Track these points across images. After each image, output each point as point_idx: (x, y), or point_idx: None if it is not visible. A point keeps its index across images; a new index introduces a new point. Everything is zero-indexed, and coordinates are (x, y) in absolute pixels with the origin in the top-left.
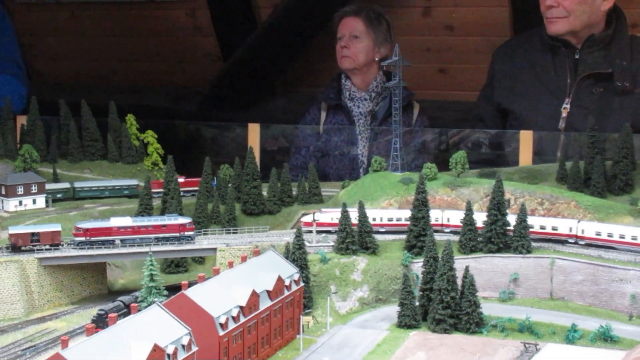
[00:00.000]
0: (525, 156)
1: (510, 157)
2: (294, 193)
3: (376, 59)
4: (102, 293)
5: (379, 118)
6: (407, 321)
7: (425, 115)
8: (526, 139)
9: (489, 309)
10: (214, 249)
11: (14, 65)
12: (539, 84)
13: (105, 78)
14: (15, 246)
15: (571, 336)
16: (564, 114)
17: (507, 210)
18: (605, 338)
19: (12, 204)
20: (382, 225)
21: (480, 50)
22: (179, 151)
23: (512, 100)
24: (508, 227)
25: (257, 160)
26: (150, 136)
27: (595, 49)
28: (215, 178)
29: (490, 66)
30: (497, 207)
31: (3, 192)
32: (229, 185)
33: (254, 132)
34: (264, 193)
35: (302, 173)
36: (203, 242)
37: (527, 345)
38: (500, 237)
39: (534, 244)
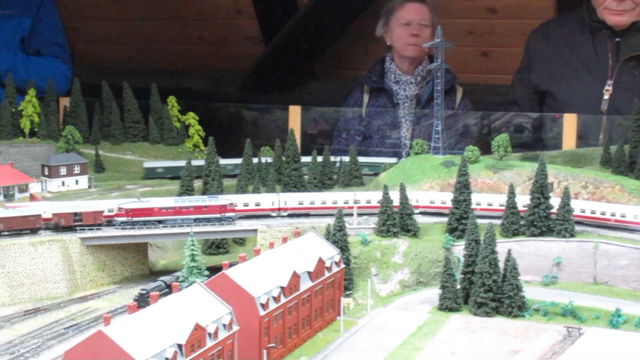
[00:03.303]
0: (569, 139)
1: (552, 140)
2: (334, 176)
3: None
4: (144, 273)
5: (423, 101)
6: (448, 304)
7: (468, 99)
8: (570, 122)
9: (532, 293)
10: (255, 230)
11: (58, 48)
12: (579, 65)
13: (147, 61)
14: (58, 226)
15: (615, 321)
16: (606, 96)
17: (550, 194)
18: None
19: (55, 185)
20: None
21: (523, 33)
22: (220, 133)
23: (551, 82)
24: (551, 211)
25: (298, 142)
26: (191, 118)
27: (636, 32)
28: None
29: (526, 49)
30: (540, 190)
31: (46, 173)
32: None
33: (294, 115)
34: (305, 176)
35: (344, 157)
36: (243, 222)
37: (570, 330)
38: (543, 220)
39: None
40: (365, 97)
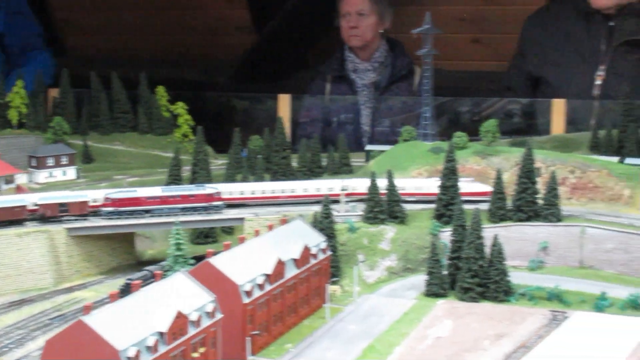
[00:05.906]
0: (558, 125)
1: (542, 126)
2: (323, 164)
3: (381, 31)
4: (131, 263)
5: (381, 87)
6: (435, 290)
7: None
8: (559, 107)
9: (518, 277)
10: (242, 219)
11: (40, 40)
12: (572, 51)
13: (137, 51)
14: (44, 216)
15: (600, 304)
16: (599, 81)
17: (538, 179)
18: (635, 306)
19: (42, 176)
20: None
21: (514, 20)
22: (210, 123)
23: (544, 68)
24: (537, 196)
25: (288, 131)
26: (180, 108)
27: (630, 16)
28: (244, 149)
29: (521, 35)
30: (527, 175)
31: (34, 164)
32: (258, 156)
33: (284, 103)
34: (294, 164)
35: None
36: (230, 211)
37: (555, 314)
38: (530, 205)
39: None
40: (327, 85)
